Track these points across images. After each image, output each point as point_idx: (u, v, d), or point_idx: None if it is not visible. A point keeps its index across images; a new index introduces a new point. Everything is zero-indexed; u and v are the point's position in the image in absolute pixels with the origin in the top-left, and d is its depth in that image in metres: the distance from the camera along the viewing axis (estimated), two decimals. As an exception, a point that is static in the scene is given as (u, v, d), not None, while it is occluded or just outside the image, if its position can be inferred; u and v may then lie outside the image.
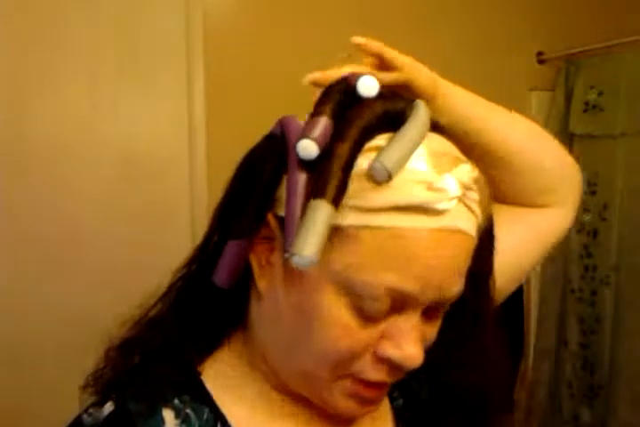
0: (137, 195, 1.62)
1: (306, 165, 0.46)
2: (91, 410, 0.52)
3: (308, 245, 0.42)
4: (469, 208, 0.47)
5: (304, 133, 0.46)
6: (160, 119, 1.65)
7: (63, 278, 1.54)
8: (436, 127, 0.50)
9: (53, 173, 1.52)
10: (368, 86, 0.47)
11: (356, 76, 0.48)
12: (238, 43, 1.75)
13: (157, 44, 1.63)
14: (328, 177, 0.44)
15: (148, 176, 1.63)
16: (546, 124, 2.18)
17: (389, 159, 0.44)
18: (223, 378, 0.55)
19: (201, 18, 1.67)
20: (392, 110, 0.48)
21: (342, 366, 0.48)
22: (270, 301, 0.51)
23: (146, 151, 1.63)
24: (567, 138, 2.10)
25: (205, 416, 0.52)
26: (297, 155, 0.46)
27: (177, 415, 0.51)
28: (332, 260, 0.45)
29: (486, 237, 0.52)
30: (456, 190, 0.45)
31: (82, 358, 1.69)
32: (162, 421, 0.51)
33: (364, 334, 0.47)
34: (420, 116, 0.47)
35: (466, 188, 0.46)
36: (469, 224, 0.47)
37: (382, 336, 0.48)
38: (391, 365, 0.48)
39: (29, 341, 1.51)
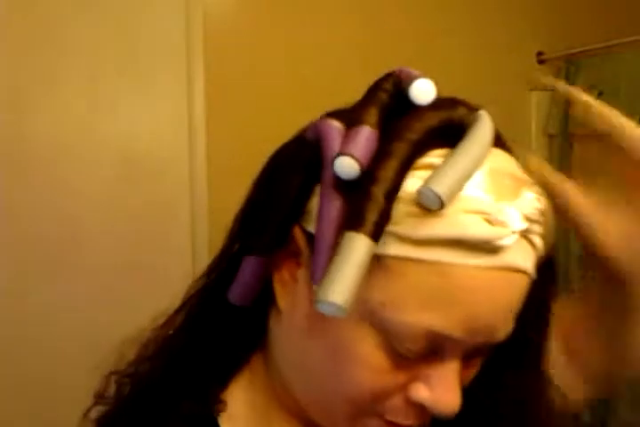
0: (137, 195, 1.62)
1: (343, 184, 0.39)
2: None
3: (339, 292, 0.35)
4: (531, 242, 0.40)
5: (344, 148, 0.38)
6: (160, 119, 1.65)
7: (63, 278, 1.54)
8: (498, 140, 0.42)
9: (53, 173, 1.52)
10: (424, 92, 0.40)
11: (409, 77, 0.41)
12: (238, 43, 1.75)
13: (157, 44, 1.63)
14: (369, 204, 0.36)
15: (148, 176, 1.63)
16: (546, 125, 2.18)
17: (443, 185, 0.36)
18: (236, 418, 0.49)
19: (201, 18, 1.67)
20: (449, 121, 0.40)
21: (368, 406, 0.43)
22: (291, 321, 0.45)
23: (146, 151, 1.63)
24: (567, 138, 2.10)
25: None
26: (334, 172, 0.38)
27: None
28: (364, 295, 0.39)
29: (547, 270, 0.45)
30: (519, 224, 0.38)
31: (81, 358, 1.70)
32: None
33: (395, 377, 0.41)
34: (484, 130, 0.39)
35: (530, 221, 0.39)
36: (529, 261, 0.40)
37: (417, 378, 0.42)
38: (422, 409, 0.42)
39: (29, 340, 1.51)
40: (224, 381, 0.50)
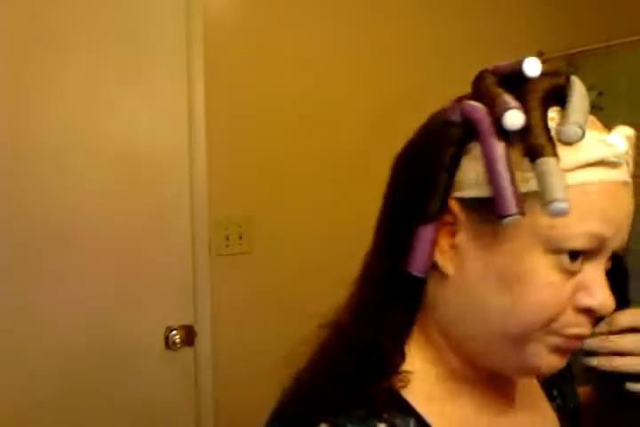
0: (137, 194, 1.62)
1: (504, 135, 0.49)
2: None
3: (560, 190, 0.46)
4: (628, 163, 0.53)
5: (505, 106, 0.49)
6: (160, 119, 1.64)
7: (63, 278, 1.54)
8: None
9: (53, 173, 1.52)
10: (534, 67, 0.51)
11: (519, 59, 0.52)
12: (238, 43, 1.75)
13: (157, 45, 1.63)
14: (538, 139, 0.48)
15: (148, 176, 1.63)
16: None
17: (579, 120, 0.49)
18: (413, 386, 0.56)
19: (201, 18, 1.67)
20: (556, 86, 0.52)
21: (548, 324, 0.52)
22: (459, 282, 0.54)
23: (146, 151, 1.63)
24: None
25: (412, 425, 0.54)
26: (501, 125, 0.49)
27: None
28: (537, 220, 0.50)
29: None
30: (624, 145, 0.51)
31: (80, 355, 1.70)
32: None
33: (567, 290, 0.51)
34: (581, 89, 0.53)
35: (630, 142, 0.52)
36: (629, 176, 0.53)
37: (578, 288, 0.52)
38: (589, 315, 0.52)
39: (28, 336, 1.51)
40: (399, 350, 0.57)
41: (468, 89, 0.56)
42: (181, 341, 1.68)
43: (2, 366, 1.48)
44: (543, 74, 0.52)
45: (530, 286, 0.50)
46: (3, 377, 1.48)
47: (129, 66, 1.59)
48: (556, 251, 0.50)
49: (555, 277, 0.50)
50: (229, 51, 1.74)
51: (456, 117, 0.53)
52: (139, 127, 1.62)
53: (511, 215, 0.47)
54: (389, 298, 0.58)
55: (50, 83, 1.51)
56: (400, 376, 0.56)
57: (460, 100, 0.55)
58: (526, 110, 0.49)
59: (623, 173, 0.52)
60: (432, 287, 0.57)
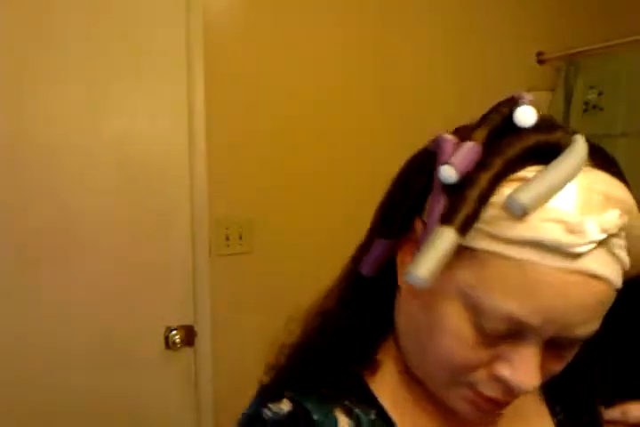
0: (137, 195, 1.62)
1: (446, 188, 0.47)
2: (270, 405, 0.56)
3: (424, 267, 0.44)
4: (612, 254, 0.46)
5: (448, 159, 0.47)
6: (160, 119, 1.64)
7: (63, 278, 1.54)
8: (605, 158, 0.49)
9: (53, 173, 1.52)
10: (525, 117, 0.47)
11: (519, 102, 0.48)
12: (238, 43, 1.75)
13: (157, 44, 1.63)
14: (461, 205, 0.45)
15: (148, 176, 1.63)
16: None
17: (526, 196, 0.43)
18: (381, 377, 0.59)
19: (201, 18, 1.67)
20: (545, 143, 0.47)
21: (458, 375, 0.51)
22: (407, 296, 0.55)
23: (146, 151, 1.63)
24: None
25: (372, 416, 0.56)
26: (438, 178, 0.47)
27: (347, 415, 0.56)
28: (458, 277, 0.48)
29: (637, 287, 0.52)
30: (596, 235, 0.44)
31: (79, 353, 1.70)
32: (335, 420, 0.55)
33: (479, 352, 0.49)
34: (576, 152, 0.45)
35: (609, 233, 0.45)
36: (610, 270, 0.46)
37: (500, 357, 0.49)
38: (505, 385, 0.49)
39: (28, 335, 1.51)
40: (374, 343, 0.60)
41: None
42: (181, 341, 1.68)
43: (1, 366, 1.48)
44: (538, 127, 0.47)
45: (441, 329, 0.49)
46: (2, 377, 1.48)
47: (129, 66, 1.59)
48: (473, 310, 0.48)
49: (467, 333, 0.48)
50: (229, 51, 1.74)
51: (431, 146, 0.52)
52: (139, 127, 1.62)
53: (411, 276, 0.45)
54: (367, 295, 0.59)
55: (49, 83, 1.51)
56: (370, 366, 0.58)
57: (462, 127, 0.53)
58: (482, 167, 0.45)
59: (588, 263, 0.45)
60: (397, 296, 0.58)
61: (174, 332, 1.67)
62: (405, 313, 0.56)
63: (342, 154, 1.90)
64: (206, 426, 1.73)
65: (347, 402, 0.56)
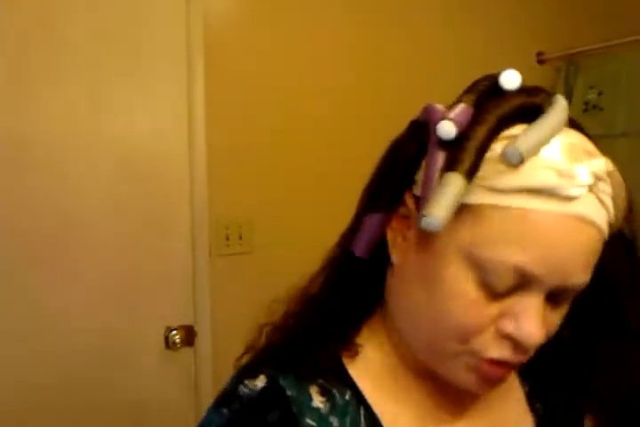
0: (137, 195, 1.62)
1: (444, 144, 0.49)
2: (246, 382, 0.57)
3: (439, 207, 0.46)
4: (600, 200, 0.49)
5: (444, 115, 0.49)
6: (160, 119, 1.64)
7: (63, 278, 1.54)
8: (574, 125, 0.53)
9: (53, 173, 1.52)
10: (510, 80, 0.50)
11: (502, 70, 0.51)
12: (238, 43, 1.75)
13: (157, 45, 1.63)
14: (463, 154, 0.47)
15: (148, 176, 1.63)
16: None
17: (523, 144, 0.46)
18: (362, 362, 0.59)
19: (201, 18, 1.67)
20: (530, 103, 0.50)
21: (465, 340, 0.51)
22: (402, 274, 0.55)
23: (146, 151, 1.63)
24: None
25: (348, 397, 0.56)
26: (437, 134, 0.49)
27: (322, 393, 0.56)
28: (460, 235, 0.49)
29: (620, 241, 0.54)
30: (586, 179, 0.47)
31: (79, 353, 1.69)
32: (310, 397, 0.56)
33: (486, 310, 0.49)
34: (559, 109, 0.50)
35: (597, 178, 0.48)
36: (599, 216, 0.49)
37: (505, 313, 0.50)
38: (512, 342, 0.50)
39: (27, 339, 1.51)
40: (356, 326, 0.60)
41: (467, 86, 0.55)
42: (181, 341, 1.68)
43: (1, 366, 1.48)
44: (522, 90, 0.50)
45: (445, 295, 0.50)
46: (2, 377, 1.48)
47: (129, 66, 1.59)
48: (477, 268, 0.49)
49: (473, 293, 0.49)
50: (229, 51, 1.74)
51: (420, 117, 0.54)
52: (139, 128, 1.62)
53: (426, 217, 0.46)
54: (355, 277, 0.59)
55: (50, 83, 1.51)
56: (351, 348, 0.59)
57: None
58: (476, 123, 0.48)
59: (580, 208, 0.47)
60: (388, 276, 0.58)
61: (174, 332, 1.67)
62: (400, 292, 0.56)
63: (342, 154, 1.90)
64: (206, 426, 1.73)
65: (322, 381, 0.57)
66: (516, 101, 0.49)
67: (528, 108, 0.50)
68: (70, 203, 1.54)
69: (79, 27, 1.53)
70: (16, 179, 1.48)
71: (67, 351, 1.54)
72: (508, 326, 0.49)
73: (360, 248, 0.57)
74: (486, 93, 0.50)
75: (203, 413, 0.58)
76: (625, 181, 0.51)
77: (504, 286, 0.48)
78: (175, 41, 1.65)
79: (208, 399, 1.97)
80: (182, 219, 1.69)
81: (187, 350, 1.71)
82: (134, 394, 1.63)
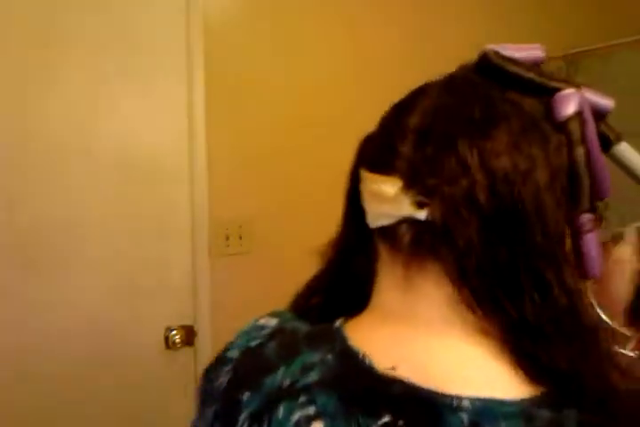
0: (137, 195, 1.62)
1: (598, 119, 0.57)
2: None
3: None
4: None
5: (595, 95, 0.58)
6: (160, 119, 1.64)
7: (63, 278, 1.54)
8: None
9: (52, 174, 1.52)
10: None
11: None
12: (238, 43, 1.75)
13: (158, 45, 1.63)
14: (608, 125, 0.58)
15: (148, 177, 1.63)
16: (546, 125, 2.18)
17: None
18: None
19: (201, 18, 1.67)
20: None
21: None
22: None
23: (146, 152, 1.63)
24: (567, 138, 2.10)
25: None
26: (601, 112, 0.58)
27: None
28: None
29: None
30: None
31: (80, 354, 1.69)
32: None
33: None
34: None
35: None
36: None
37: None
38: None
39: (27, 339, 1.51)
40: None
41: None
42: (181, 341, 1.68)
43: (1, 367, 1.48)
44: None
45: None
46: (2, 377, 1.48)
47: (129, 67, 1.59)
48: None
49: None
50: (229, 51, 1.74)
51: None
52: (139, 128, 1.62)
53: None
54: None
55: (50, 83, 1.51)
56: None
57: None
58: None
59: None
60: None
61: (174, 332, 1.67)
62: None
63: (342, 154, 1.89)
64: (206, 426, 1.73)
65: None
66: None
67: None
68: (70, 203, 1.54)
69: (79, 27, 1.53)
70: (16, 179, 1.48)
71: (67, 351, 1.54)
72: None
73: (597, 269, 0.51)
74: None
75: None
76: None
77: None
78: (175, 41, 1.65)
79: (208, 399, 1.94)
80: (182, 219, 1.69)
81: (187, 350, 1.71)
82: (134, 394, 1.63)
